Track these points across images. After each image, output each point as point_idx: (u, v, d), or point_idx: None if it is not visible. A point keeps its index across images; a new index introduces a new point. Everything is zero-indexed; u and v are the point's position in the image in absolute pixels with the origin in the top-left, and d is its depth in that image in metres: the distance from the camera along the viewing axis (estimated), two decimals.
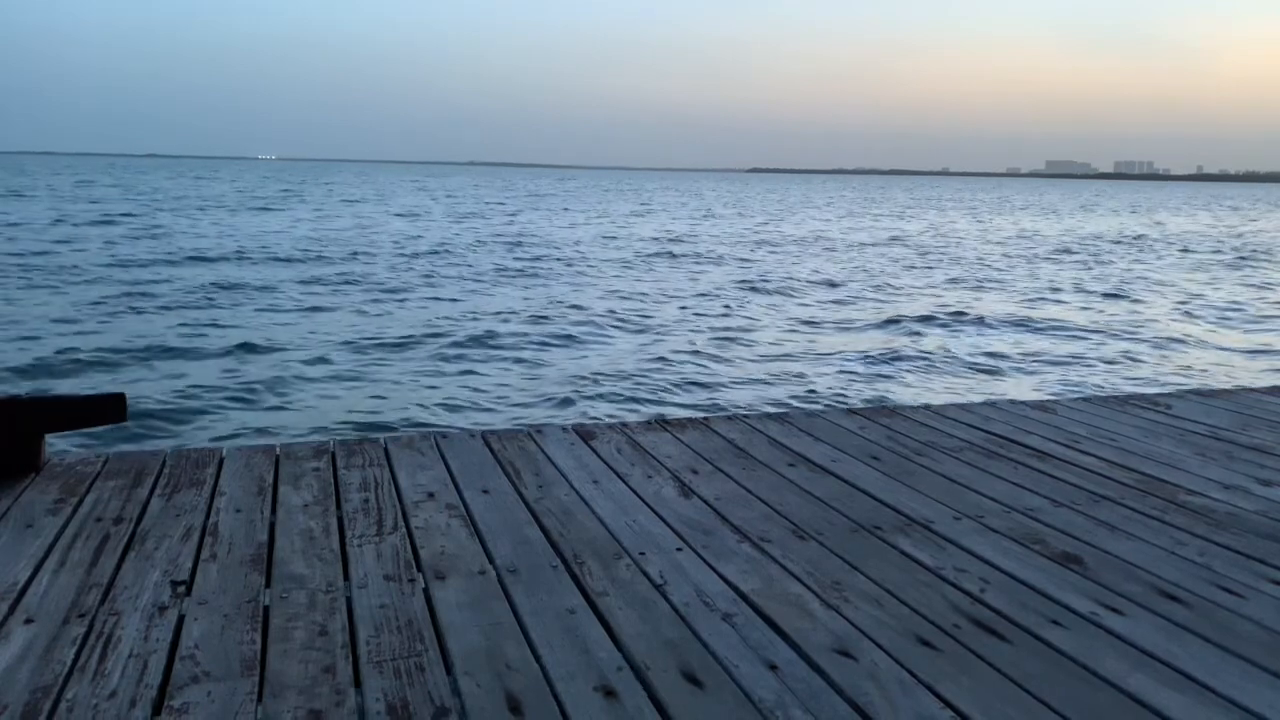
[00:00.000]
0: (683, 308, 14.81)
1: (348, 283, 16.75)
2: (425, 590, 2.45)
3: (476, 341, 11.45)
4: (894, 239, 32.32)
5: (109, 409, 3.40)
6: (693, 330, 12.81)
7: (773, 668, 2.10)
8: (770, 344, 11.98)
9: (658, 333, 12.62)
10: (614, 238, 29.39)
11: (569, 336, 12.10)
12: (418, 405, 8.46)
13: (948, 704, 1.97)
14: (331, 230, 28.99)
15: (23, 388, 8.56)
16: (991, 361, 11.29)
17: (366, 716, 1.87)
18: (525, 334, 12.09)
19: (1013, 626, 2.32)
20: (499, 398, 8.96)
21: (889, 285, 18.62)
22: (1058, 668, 2.13)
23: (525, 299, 15.32)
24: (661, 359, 10.80)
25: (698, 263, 22.21)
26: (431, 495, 3.18)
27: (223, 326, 11.94)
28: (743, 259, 23.47)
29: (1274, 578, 2.66)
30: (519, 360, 10.56)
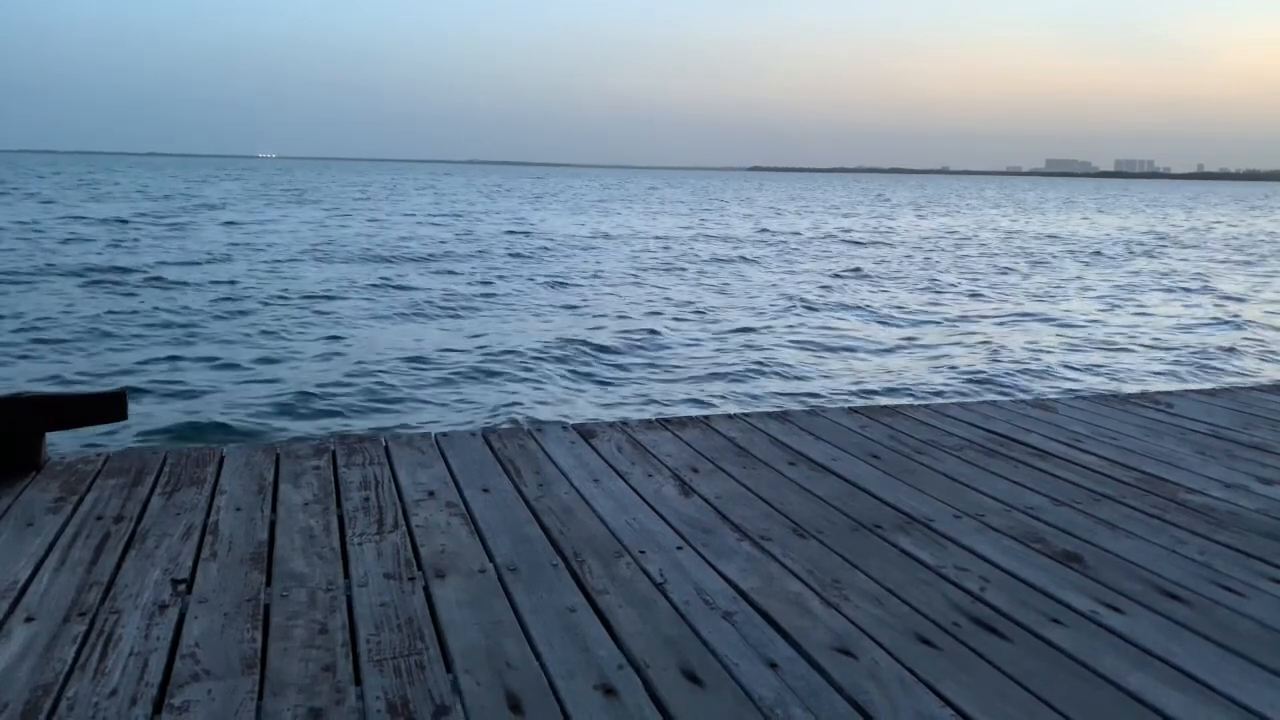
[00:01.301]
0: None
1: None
2: (425, 588, 2.45)
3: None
4: (961, 235, 33.23)
5: (110, 407, 3.40)
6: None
7: (773, 666, 2.10)
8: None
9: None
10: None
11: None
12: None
13: (948, 702, 1.97)
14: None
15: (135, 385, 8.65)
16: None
17: (367, 715, 1.87)
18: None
19: (1013, 625, 2.32)
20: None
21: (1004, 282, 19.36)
22: (1058, 666, 2.13)
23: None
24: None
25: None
26: (432, 494, 3.18)
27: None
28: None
29: (1274, 576, 2.66)
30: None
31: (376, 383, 9.03)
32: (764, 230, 33.02)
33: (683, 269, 20.21)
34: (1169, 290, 18.56)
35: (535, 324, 12.68)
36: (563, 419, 7.38)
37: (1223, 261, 25.47)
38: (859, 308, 14.97)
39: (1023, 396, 7.24)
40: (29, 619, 2.23)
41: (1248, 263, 25.22)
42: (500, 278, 17.59)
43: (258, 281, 16.06)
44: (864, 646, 2.20)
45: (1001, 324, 13.85)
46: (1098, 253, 27.37)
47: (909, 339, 12.47)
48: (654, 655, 2.13)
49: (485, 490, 3.23)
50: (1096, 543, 2.88)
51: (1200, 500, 3.30)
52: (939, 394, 9.33)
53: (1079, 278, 20.40)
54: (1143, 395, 5.10)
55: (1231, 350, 12.18)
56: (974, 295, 17.05)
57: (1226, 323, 14.51)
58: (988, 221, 43.89)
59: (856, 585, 2.54)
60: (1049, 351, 11.82)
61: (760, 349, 11.31)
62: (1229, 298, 17.60)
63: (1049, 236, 34.04)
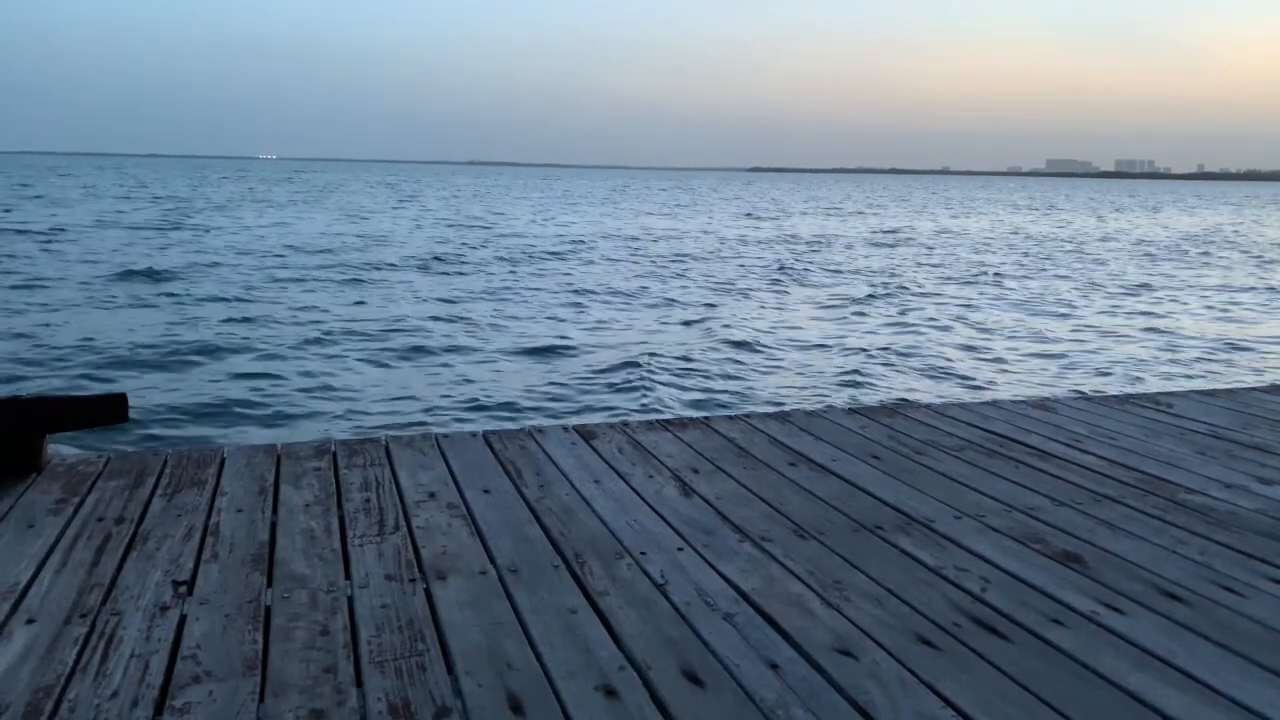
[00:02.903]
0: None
1: None
2: (426, 590, 2.45)
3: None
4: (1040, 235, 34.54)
5: (111, 409, 3.41)
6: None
7: (774, 667, 2.10)
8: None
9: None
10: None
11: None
12: None
13: (948, 703, 1.97)
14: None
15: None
16: None
17: (368, 716, 1.88)
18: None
19: (1013, 625, 2.32)
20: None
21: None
22: (1058, 666, 2.13)
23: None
24: None
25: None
26: (433, 495, 3.18)
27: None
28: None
29: (1274, 576, 2.66)
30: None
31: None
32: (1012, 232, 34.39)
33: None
34: None
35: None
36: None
37: None
38: None
39: (1023, 397, 7.25)
40: (30, 620, 2.23)
41: None
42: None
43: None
44: (865, 647, 2.20)
45: None
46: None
47: None
48: (655, 656, 2.13)
49: (486, 491, 3.23)
50: (1096, 543, 2.88)
51: (1200, 500, 3.30)
52: None
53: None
54: (1142, 396, 5.10)
55: None
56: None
57: None
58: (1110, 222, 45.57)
59: (857, 586, 2.54)
60: None
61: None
62: None
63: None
